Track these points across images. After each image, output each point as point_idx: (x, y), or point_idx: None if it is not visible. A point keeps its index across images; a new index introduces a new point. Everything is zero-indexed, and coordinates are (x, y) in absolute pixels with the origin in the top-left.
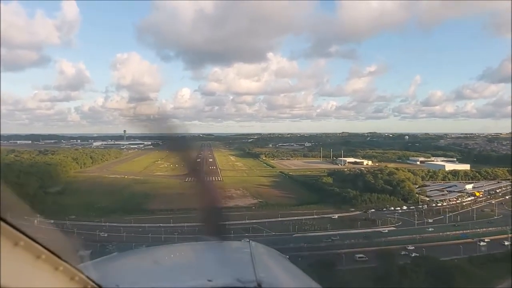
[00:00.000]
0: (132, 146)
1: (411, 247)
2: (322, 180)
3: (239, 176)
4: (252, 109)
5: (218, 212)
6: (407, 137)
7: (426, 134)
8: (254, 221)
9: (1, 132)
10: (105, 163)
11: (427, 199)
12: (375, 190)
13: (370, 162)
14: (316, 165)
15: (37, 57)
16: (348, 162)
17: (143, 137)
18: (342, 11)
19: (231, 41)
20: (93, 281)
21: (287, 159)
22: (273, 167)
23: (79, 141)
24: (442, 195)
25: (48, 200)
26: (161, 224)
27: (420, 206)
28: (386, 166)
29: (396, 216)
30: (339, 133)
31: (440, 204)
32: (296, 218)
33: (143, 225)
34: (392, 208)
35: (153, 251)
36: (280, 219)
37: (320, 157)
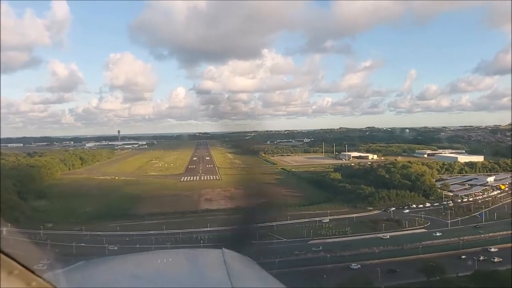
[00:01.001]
0: (126, 146)
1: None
2: (329, 176)
3: (239, 174)
4: (247, 107)
5: (252, 223)
6: (407, 130)
7: (425, 127)
8: (260, 224)
9: None
10: (96, 164)
11: (451, 194)
12: (392, 185)
13: (375, 156)
14: (319, 161)
15: (28, 58)
16: (353, 157)
17: (137, 137)
18: (336, 6)
19: (225, 38)
20: None
21: (287, 155)
22: (274, 164)
23: (72, 142)
24: (465, 189)
25: (25, 206)
26: (151, 232)
27: (445, 203)
28: (395, 159)
29: (422, 215)
30: (337, 129)
31: (466, 200)
32: (308, 220)
33: (130, 233)
34: (414, 206)
35: (125, 259)
36: (290, 221)
37: (322, 152)
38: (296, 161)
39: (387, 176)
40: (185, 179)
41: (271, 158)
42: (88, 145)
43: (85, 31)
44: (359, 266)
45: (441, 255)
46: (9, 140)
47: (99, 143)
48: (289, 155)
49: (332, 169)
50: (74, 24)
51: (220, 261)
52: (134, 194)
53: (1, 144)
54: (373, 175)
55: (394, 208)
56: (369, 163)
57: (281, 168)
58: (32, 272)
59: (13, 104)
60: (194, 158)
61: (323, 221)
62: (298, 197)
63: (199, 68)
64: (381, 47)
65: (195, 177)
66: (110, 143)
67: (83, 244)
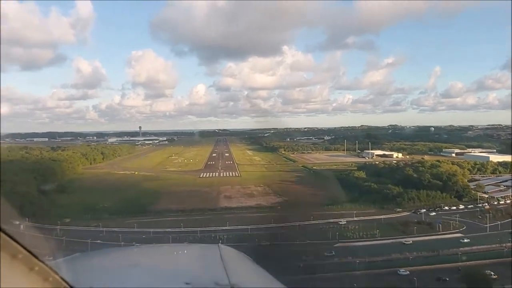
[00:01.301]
0: (147, 142)
1: None
2: (353, 174)
3: (258, 171)
4: (267, 104)
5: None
6: (432, 128)
7: (450, 125)
8: (281, 224)
9: (20, 131)
10: (117, 159)
11: (486, 196)
12: (422, 186)
13: (399, 155)
14: (341, 159)
15: (53, 55)
16: (376, 155)
17: (158, 133)
18: (359, 2)
19: (245, 35)
20: (67, 282)
21: (308, 152)
22: (294, 161)
23: (95, 137)
24: (501, 190)
25: (43, 200)
26: (169, 229)
27: (480, 205)
28: (422, 158)
29: (456, 218)
30: (358, 126)
31: (503, 202)
32: (332, 220)
33: (147, 230)
34: (447, 208)
35: (125, 251)
36: (313, 222)
37: (344, 150)
38: (317, 158)
39: (415, 175)
40: (204, 175)
41: (291, 155)
42: (110, 140)
43: (108, 28)
44: (408, 272)
45: (484, 263)
46: (35, 134)
47: (120, 139)
48: (310, 153)
49: (356, 168)
50: (98, 22)
51: (216, 257)
52: (153, 189)
53: (27, 139)
54: (400, 174)
55: (424, 210)
56: (394, 161)
57: (302, 166)
58: (36, 257)
59: (39, 100)
60: (214, 155)
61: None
62: (320, 195)
63: (219, 65)
64: (404, 43)
65: (214, 174)
66: (131, 138)
67: (98, 241)
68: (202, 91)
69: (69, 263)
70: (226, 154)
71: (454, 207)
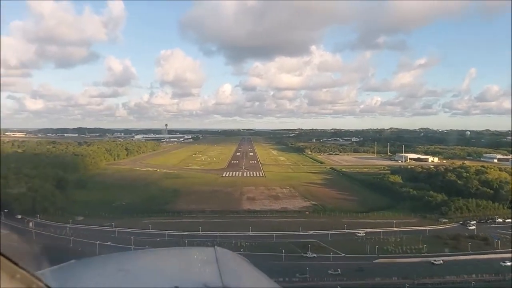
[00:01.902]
0: (172, 139)
1: None
2: (388, 179)
3: (284, 172)
4: (292, 104)
5: None
6: (468, 132)
7: (487, 130)
8: (310, 232)
9: (52, 126)
10: (140, 156)
11: None
12: (468, 193)
13: (435, 159)
14: (371, 161)
15: (86, 53)
16: (410, 159)
17: (184, 131)
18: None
19: (273, 34)
20: None
21: (335, 154)
22: (321, 163)
23: (122, 134)
24: None
25: (58, 197)
26: (185, 232)
27: None
28: (463, 163)
29: None
30: (387, 129)
31: None
32: (369, 230)
33: (162, 232)
34: (500, 220)
35: (116, 257)
36: (347, 230)
37: (374, 152)
38: (346, 160)
39: (459, 182)
40: (227, 175)
41: (318, 156)
42: (137, 137)
43: (138, 28)
44: None
45: None
46: (66, 130)
47: (146, 136)
48: (338, 154)
49: (389, 171)
50: (128, 21)
51: (212, 259)
52: (174, 188)
53: (58, 134)
54: (440, 180)
55: (475, 222)
56: (430, 166)
57: (330, 168)
58: (16, 264)
59: (72, 97)
60: (238, 153)
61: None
62: (353, 201)
63: (246, 65)
64: (439, 43)
65: (237, 173)
66: (157, 136)
67: (108, 243)
68: (228, 90)
69: (55, 272)
70: (250, 154)
71: (509, 220)
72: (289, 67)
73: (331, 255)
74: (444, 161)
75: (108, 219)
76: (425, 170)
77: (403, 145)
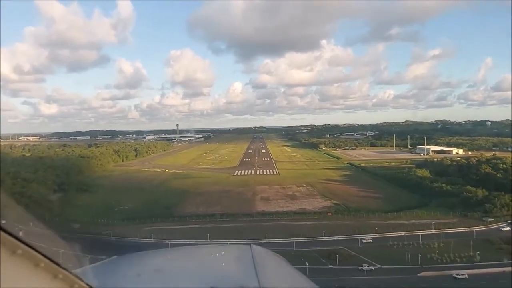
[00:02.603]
0: (183, 139)
1: None
2: (415, 173)
3: (299, 169)
4: (304, 101)
5: None
6: (489, 123)
7: (507, 119)
8: (335, 238)
9: (66, 130)
10: (150, 156)
11: None
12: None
13: (460, 151)
14: (391, 155)
15: (97, 56)
16: (433, 151)
17: (195, 131)
18: None
19: (282, 30)
20: None
21: (351, 149)
22: (338, 158)
23: (134, 135)
24: None
25: (54, 202)
26: (192, 241)
27: None
28: (494, 154)
29: None
30: (402, 122)
31: None
32: (405, 234)
33: (165, 242)
34: None
35: (154, 255)
36: (378, 235)
37: (393, 146)
38: (363, 155)
39: (498, 175)
40: (238, 173)
41: (333, 151)
42: (148, 137)
43: (147, 28)
44: None
45: None
46: (79, 133)
47: (158, 136)
48: (354, 149)
49: (413, 165)
50: (137, 22)
51: (248, 258)
52: (181, 189)
53: (71, 137)
54: (474, 172)
55: None
56: (458, 158)
57: (348, 163)
58: (58, 264)
59: (85, 101)
60: (249, 151)
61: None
62: (378, 199)
63: (256, 62)
64: (453, 33)
65: (249, 171)
66: (168, 136)
67: (103, 257)
68: (239, 89)
69: (96, 269)
70: (263, 151)
71: None
72: (299, 63)
73: (365, 269)
74: (470, 153)
75: (107, 226)
76: (454, 163)
77: (425, 137)
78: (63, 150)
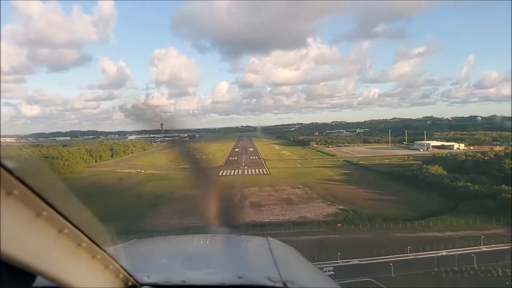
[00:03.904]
0: (167, 138)
1: None
2: (428, 170)
3: (292, 168)
4: (290, 100)
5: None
6: (479, 118)
7: (494, 115)
8: (354, 261)
9: (46, 131)
10: (128, 156)
11: None
12: None
13: (462, 145)
14: (388, 151)
15: (78, 55)
16: (433, 146)
17: (180, 131)
18: None
19: (268, 26)
20: (126, 270)
21: (345, 146)
22: (332, 156)
23: (116, 135)
24: None
25: None
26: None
27: None
28: (507, 148)
29: None
30: (390, 119)
31: None
32: (446, 253)
33: None
34: None
35: (174, 240)
36: (412, 255)
37: (388, 142)
38: (359, 152)
39: None
40: (224, 173)
41: (326, 149)
42: (130, 137)
43: (130, 27)
44: None
45: None
46: (58, 134)
47: (141, 136)
48: (347, 146)
49: (419, 161)
50: (120, 20)
51: (265, 249)
52: (154, 193)
53: (50, 138)
54: (497, 169)
55: None
56: (460, 153)
57: (344, 160)
58: (98, 245)
59: (68, 101)
60: (236, 149)
61: (474, 251)
62: (393, 203)
63: (242, 61)
64: (438, 30)
65: (236, 171)
66: (152, 135)
67: None
68: (225, 88)
69: (125, 250)
70: (251, 149)
71: None
72: (285, 61)
73: None
74: (472, 148)
75: None
76: (469, 158)
77: (424, 132)
78: (38, 150)
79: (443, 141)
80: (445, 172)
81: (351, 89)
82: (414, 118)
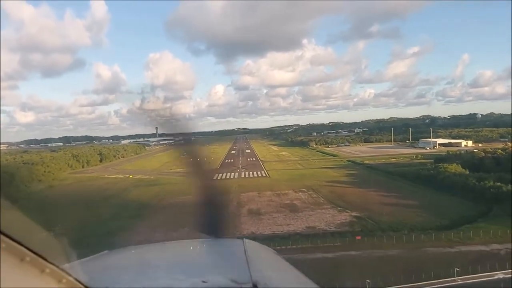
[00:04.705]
0: (161, 142)
1: None
2: (446, 169)
3: (293, 169)
4: (286, 102)
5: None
6: (479, 115)
7: (491, 113)
8: None
9: (41, 137)
10: (119, 160)
11: None
12: None
13: (469, 142)
14: (392, 150)
15: (72, 60)
16: (439, 144)
17: (175, 134)
18: None
19: (263, 28)
20: (81, 283)
21: (345, 145)
22: (334, 156)
23: (110, 141)
24: None
25: None
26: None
27: None
28: None
29: None
30: (387, 119)
31: None
32: (504, 275)
33: None
34: None
35: (144, 249)
36: (461, 280)
37: (390, 141)
38: (361, 151)
39: None
40: (219, 177)
41: (326, 149)
42: (124, 142)
43: (124, 31)
44: None
45: None
46: (50, 140)
47: (134, 140)
48: (348, 145)
49: (431, 160)
50: (113, 24)
51: (240, 252)
52: (141, 201)
53: (42, 144)
54: None
55: None
56: (474, 150)
57: (347, 160)
58: (45, 259)
59: (62, 107)
60: (233, 152)
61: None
62: (414, 208)
63: (237, 63)
64: (433, 29)
65: (233, 174)
66: (146, 139)
67: None
68: (221, 91)
69: (85, 264)
70: (248, 151)
71: None
72: (281, 63)
73: None
74: (480, 145)
75: None
76: (489, 155)
77: (431, 130)
78: (15, 157)
79: (448, 138)
80: (466, 171)
81: (347, 90)
82: (411, 117)
